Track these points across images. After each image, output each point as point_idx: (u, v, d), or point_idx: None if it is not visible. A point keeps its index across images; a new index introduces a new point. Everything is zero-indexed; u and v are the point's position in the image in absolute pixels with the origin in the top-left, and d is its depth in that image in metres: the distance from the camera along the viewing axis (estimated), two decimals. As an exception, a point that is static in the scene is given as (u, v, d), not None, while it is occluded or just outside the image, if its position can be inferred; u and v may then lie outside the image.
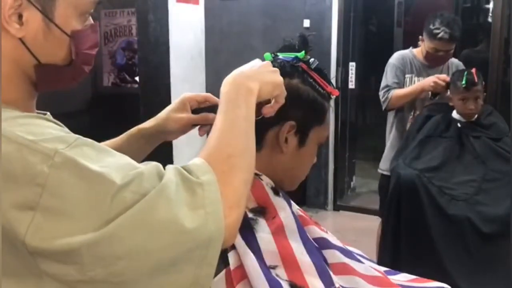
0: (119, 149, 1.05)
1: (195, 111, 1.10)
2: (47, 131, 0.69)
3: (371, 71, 5.22)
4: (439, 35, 2.56)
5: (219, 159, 0.77)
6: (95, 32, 0.83)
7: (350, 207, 4.53)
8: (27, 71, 0.77)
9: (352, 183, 4.86)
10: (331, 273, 0.98)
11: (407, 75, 2.75)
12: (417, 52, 2.79)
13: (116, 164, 0.69)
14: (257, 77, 0.89)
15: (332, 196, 4.49)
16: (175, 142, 3.06)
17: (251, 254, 0.89)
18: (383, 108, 2.79)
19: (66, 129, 0.76)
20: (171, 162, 3.36)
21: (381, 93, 2.76)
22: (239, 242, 0.90)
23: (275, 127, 1.00)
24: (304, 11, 4.23)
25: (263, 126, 1.00)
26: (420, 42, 2.73)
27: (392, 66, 2.76)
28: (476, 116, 2.52)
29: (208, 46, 3.33)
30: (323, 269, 0.98)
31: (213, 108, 1.08)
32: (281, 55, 1.05)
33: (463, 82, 2.44)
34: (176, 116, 1.08)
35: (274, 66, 1.02)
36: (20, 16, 0.73)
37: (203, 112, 1.10)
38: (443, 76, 2.59)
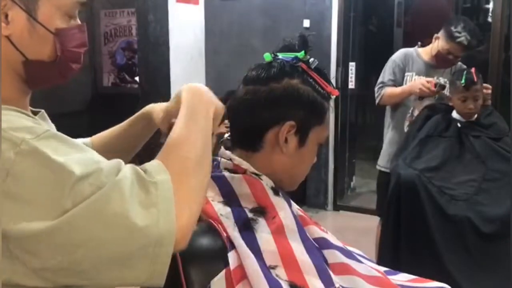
0: (124, 132, 1.15)
1: None
2: (20, 121, 0.74)
3: (371, 71, 5.20)
4: (459, 39, 2.54)
5: (174, 160, 0.79)
6: (83, 32, 0.88)
7: (350, 207, 4.53)
8: (17, 68, 0.82)
9: (352, 183, 4.87)
10: (331, 273, 0.99)
11: (408, 73, 2.74)
12: (422, 52, 2.77)
13: (79, 158, 0.72)
14: (212, 95, 0.93)
15: (332, 196, 4.49)
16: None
17: (251, 254, 0.89)
18: (376, 103, 2.81)
19: (44, 127, 0.78)
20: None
21: (375, 88, 2.78)
22: (239, 242, 0.90)
23: (275, 127, 1.00)
24: (304, 11, 4.24)
25: (263, 127, 1.01)
26: (433, 39, 2.70)
27: (392, 62, 2.76)
28: (475, 116, 2.52)
29: (208, 46, 3.34)
30: (323, 269, 0.98)
31: None
32: (280, 55, 1.05)
33: (462, 81, 2.44)
34: (162, 108, 1.09)
35: (274, 66, 1.03)
36: (6, 16, 0.78)
37: None
38: (430, 82, 2.59)
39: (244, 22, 4.50)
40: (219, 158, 1.05)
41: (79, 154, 0.73)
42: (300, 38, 1.06)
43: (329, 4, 4.19)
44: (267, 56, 1.05)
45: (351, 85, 4.41)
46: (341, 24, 4.26)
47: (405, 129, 2.76)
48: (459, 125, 2.50)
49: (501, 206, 2.22)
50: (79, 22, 0.87)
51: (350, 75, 4.38)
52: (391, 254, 2.38)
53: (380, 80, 2.77)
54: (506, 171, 2.29)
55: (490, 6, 4.26)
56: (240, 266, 0.88)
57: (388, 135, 2.86)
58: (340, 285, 0.98)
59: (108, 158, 1.07)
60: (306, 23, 4.20)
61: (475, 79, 2.43)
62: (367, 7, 5.03)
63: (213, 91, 1.17)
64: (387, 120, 2.89)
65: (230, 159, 1.03)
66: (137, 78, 4.53)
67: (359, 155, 5.07)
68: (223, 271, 0.88)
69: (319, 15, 4.21)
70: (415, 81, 2.66)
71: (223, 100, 1.16)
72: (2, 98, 0.76)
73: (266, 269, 0.90)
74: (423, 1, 5.58)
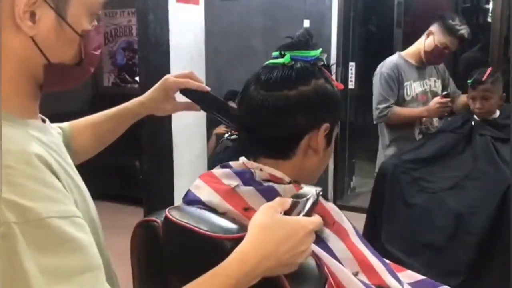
0: (100, 125, 1.14)
1: (182, 91, 1.17)
2: (29, 188, 0.65)
3: (371, 71, 5.18)
4: (461, 32, 2.55)
5: None
6: (100, 33, 0.84)
7: (350, 207, 4.52)
8: (35, 72, 0.76)
9: (352, 183, 4.86)
10: (393, 270, 0.99)
11: (406, 82, 2.70)
12: (407, 56, 2.74)
13: (55, 267, 0.64)
14: (285, 262, 0.78)
15: (332, 196, 4.49)
16: (175, 143, 3.06)
17: (339, 265, 0.88)
18: (375, 121, 2.76)
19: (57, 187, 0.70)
20: (171, 162, 3.34)
21: (380, 106, 2.68)
22: (323, 254, 0.88)
23: (311, 132, 0.97)
24: (304, 11, 4.23)
25: (300, 133, 0.96)
26: (425, 36, 2.68)
27: (388, 76, 2.68)
28: (494, 115, 2.50)
29: (208, 46, 3.33)
30: (389, 268, 0.98)
31: (200, 95, 1.14)
32: (291, 54, 0.99)
33: (470, 80, 2.47)
34: (161, 107, 1.17)
35: (297, 68, 0.96)
36: (33, 14, 0.71)
37: (188, 94, 1.16)
38: (439, 100, 2.60)
39: (244, 22, 4.50)
40: (252, 169, 0.98)
41: (59, 260, 0.64)
42: (307, 33, 1.02)
43: (329, 4, 4.19)
44: (287, 58, 0.98)
45: (351, 85, 4.41)
46: (341, 24, 4.26)
47: (417, 137, 2.73)
48: (473, 123, 2.51)
49: (464, 203, 2.23)
50: (96, 22, 0.82)
51: (350, 75, 4.38)
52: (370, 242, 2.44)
53: (380, 97, 2.68)
54: (490, 173, 2.28)
55: (490, 6, 4.26)
56: (333, 277, 0.86)
57: (390, 151, 2.79)
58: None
59: (83, 148, 1.08)
60: (306, 23, 4.20)
61: (483, 79, 2.43)
62: (367, 7, 5.03)
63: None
64: (387, 137, 2.81)
65: (261, 169, 0.97)
66: (137, 78, 4.52)
67: (359, 155, 5.06)
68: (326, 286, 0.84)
69: (319, 15, 4.20)
70: (429, 107, 2.62)
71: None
72: (15, 108, 0.72)
73: (355, 278, 0.89)
74: (423, 2, 5.57)
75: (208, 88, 1.15)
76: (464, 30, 2.56)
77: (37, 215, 0.64)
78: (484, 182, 2.25)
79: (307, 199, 0.81)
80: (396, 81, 2.68)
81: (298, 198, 0.82)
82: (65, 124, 1.12)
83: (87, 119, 1.16)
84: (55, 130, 0.92)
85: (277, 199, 0.83)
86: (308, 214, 0.81)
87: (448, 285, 1.18)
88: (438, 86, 2.81)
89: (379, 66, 2.78)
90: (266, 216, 0.79)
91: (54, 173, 0.70)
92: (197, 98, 1.15)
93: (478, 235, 2.14)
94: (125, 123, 1.19)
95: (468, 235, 2.15)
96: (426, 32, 2.68)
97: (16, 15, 0.70)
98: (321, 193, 0.84)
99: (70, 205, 0.70)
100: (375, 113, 2.72)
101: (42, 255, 0.63)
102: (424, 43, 2.68)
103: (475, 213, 2.17)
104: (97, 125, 1.16)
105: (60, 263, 0.65)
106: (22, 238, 0.62)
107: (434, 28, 2.64)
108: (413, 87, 2.71)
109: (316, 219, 0.81)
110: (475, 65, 2.83)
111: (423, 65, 2.75)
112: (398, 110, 2.66)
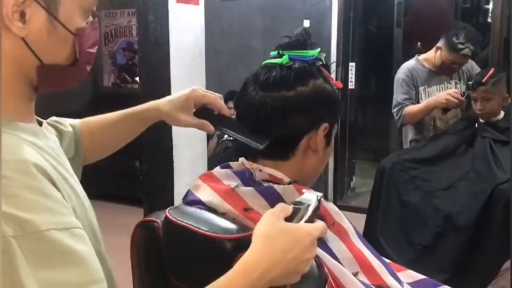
0: (114, 125, 1.10)
1: (199, 110, 1.10)
2: (27, 199, 0.62)
3: (371, 72, 5.20)
4: (463, 51, 2.51)
5: None
6: (96, 29, 0.80)
7: (350, 207, 4.52)
8: (29, 73, 0.73)
9: (352, 183, 4.87)
10: (393, 270, 0.99)
11: (420, 87, 2.69)
12: (424, 60, 2.73)
13: (54, 283, 0.62)
14: (289, 271, 0.74)
15: (332, 196, 4.49)
16: (175, 143, 3.06)
17: (340, 265, 0.88)
18: (398, 125, 2.76)
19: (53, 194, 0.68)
20: (171, 163, 3.33)
21: (394, 111, 2.71)
22: (324, 254, 0.88)
23: (310, 133, 0.97)
24: (304, 11, 4.23)
25: (299, 134, 0.96)
26: (434, 49, 2.67)
27: (402, 81, 2.69)
28: (498, 116, 2.49)
29: (208, 46, 3.33)
30: (389, 268, 0.98)
31: (217, 116, 1.08)
32: (289, 54, 0.99)
33: (470, 82, 2.47)
34: (175, 116, 1.08)
35: (296, 68, 0.96)
36: (22, 14, 0.68)
37: (205, 113, 1.10)
38: (456, 92, 2.54)
39: (244, 22, 4.50)
40: (252, 170, 0.98)
41: (59, 275, 0.62)
42: (305, 32, 1.01)
43: (329, 4, 4.19)
44: (285, 59, 0.97)
45: (351, 85, 4.41)
46: (341, 24, 4.26)
47: None
48: (476, 125, 2.51)
49: (454, 203, 2.24)
50: (91, 18, 0.78)
51: (350, 75, 4.38)
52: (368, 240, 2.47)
53: (395, 102, 2.71)
54: (485, 174, 2.28)
55: (490, 6, 4.26)
56: (332, 277, 0.86)
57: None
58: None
59: (94, 149, 1.04)
60: (306, 23, 4.20)
61: (484, 80, 2.42)
62: (367, 7, 5.03)
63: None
64: (409, 135, 2.81)
65: (261, 170, 0.97)
66: (137, 79, 4.52)
67: (359, 155, 5.07)
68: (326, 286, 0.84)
69: (319, 15, 4.20)
70: (439, 94, 2.60)
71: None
72: (9, 111, 0.69)
73: (355, 278, 0.89)
74: (423, 2, 5.58)
75: (230, 113, 1.10)
76: (467, 49, 2.50)
77: (36, 228, 0.61)
78: (475, 183, 2.26)
79: (308, 206, 0.80)
80: (411, 84, 2.67)
81: (298, 204, 0.81)
82: (75, 121, 1.08)
83: (101, 118, 1.11)
84: (53, 134, 0.88)
85: (279, 205, 0.80)
86: (310, 220, 0.79)
87: None
88: (460, 88, 2.75)
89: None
90: (269, 225, 0.76)
91: (52, 182, 0.68)
92: (213, 119, 1.08)
93: (464, 234, 2.16)
94: (140, 126, 1.14)
95: (455, 234, 2.18)
96: (436, 45, 2.66)
97: (5, 15, 0.67)
98: (322, 198, 0.83)
99: (69, 215, 0.68)
100: (395, 118, 2.73)
101: (42, 269, 0.61)
102: (434, 56, 2.67)
103: (462, 212, 2.19)
104: (111, 125, 1.11)
105: (61, 278, 0.62)
106: (21, 253, 0.60)
107: (441, 43, 2.62)
108: (428, 92, 2.68)
109: (320, 225, 0.78)
110: (476, 63, 2.82)
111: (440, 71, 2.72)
112: (410, 108, 2.65)
